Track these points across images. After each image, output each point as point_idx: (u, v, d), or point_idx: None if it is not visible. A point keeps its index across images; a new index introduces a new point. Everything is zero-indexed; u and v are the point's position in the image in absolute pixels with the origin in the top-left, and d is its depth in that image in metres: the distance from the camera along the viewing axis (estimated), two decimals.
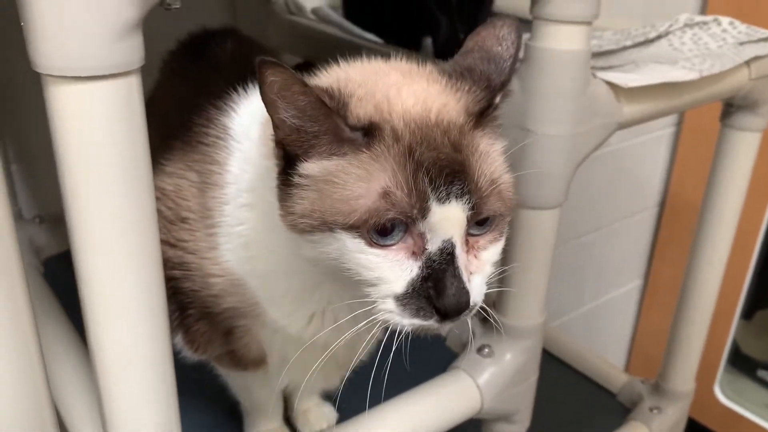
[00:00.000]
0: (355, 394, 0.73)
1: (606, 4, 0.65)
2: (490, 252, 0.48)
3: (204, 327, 0.59)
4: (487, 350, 0.74)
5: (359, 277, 0.45)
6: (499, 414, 0.76)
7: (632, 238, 1.91)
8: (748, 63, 0.80)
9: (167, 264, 0.57)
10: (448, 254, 0.44)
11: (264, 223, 0.52)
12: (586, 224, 1.75)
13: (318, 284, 0.51)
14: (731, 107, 0.88)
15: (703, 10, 1.65)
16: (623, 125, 0.69)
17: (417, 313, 0.44)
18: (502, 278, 0.72)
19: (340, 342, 0.51)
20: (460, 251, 0.44)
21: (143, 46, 0.38)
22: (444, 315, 0.44)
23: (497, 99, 0.49)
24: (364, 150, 0.44)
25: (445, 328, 0.54)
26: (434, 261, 0.44)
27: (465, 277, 0.44)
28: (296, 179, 0.45)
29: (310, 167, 0.45)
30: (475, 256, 0.47)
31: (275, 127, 0.44)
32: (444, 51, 0.84)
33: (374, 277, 0.45)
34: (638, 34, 0.91)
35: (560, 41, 0.60)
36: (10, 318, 0.43)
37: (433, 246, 0.44)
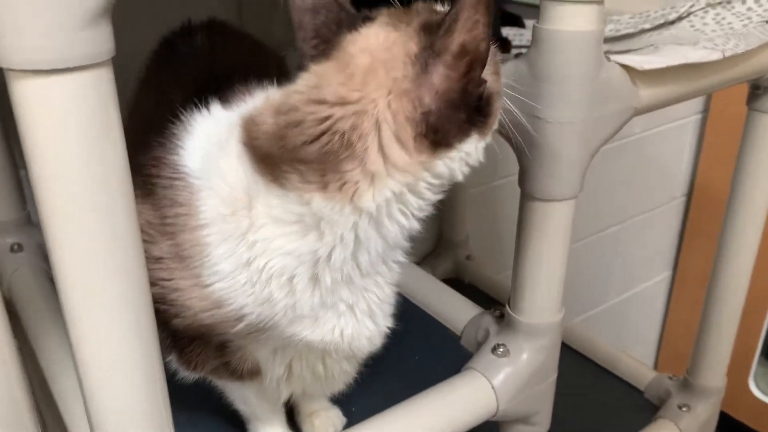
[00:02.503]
0: (364, 397, 0.71)
1: None
2: None
3: (198, 347, 0.57)
4: (502, 349, 0.71)
5: None
6: (517, 416, 0.72)
7: (659, 229, 1.87)
8: None
9: (153, 299, 0.50)
10: None
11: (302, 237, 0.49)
12: (610, 216, 1.71)
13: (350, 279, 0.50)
14: (758, 89, 0.83)
15: None
16: (641, 111, 0.65)
17: None
18: (516, 274, 0.69)
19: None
20: None
21: (112, 36, 0.36)
22: None
23: None
24: None
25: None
26: None
27: None
28: None
29: None
30: None
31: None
32: None
33: None
34: (657, 16, 0.87)
35: (570, 22, 0.57)
36: None
37: None
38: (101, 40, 0.35)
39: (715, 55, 0.67)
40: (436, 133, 0.46)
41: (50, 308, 0.81)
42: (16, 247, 0.90)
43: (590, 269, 1.71)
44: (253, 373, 0.58)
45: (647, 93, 0.64)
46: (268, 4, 1.01)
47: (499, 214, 1.43)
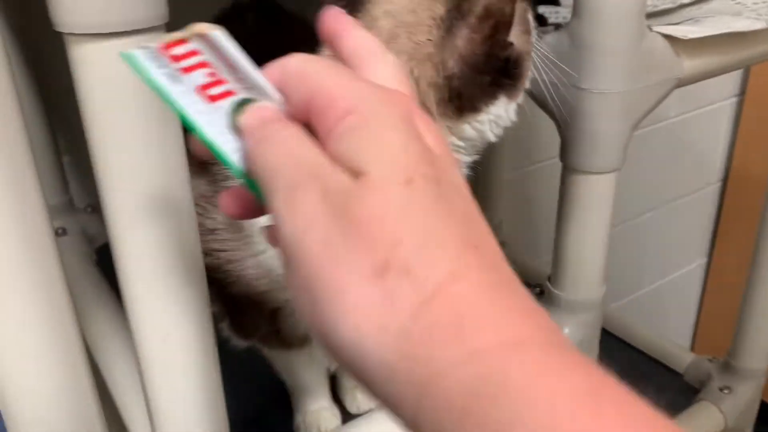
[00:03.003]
0: None
1: None
2: None
3: (250, 315, 0.58)
4: None
5: None
6: None
7: (694, 215, 1.84)
8: None
9: (207, 270, 0.54)
10: None
11: None
12: (645, 202, 1.69)
13: None
14: None
15: None
16: (684, 81, 0.64)
17: None
18: (557, 248, 0.69)
19: None
20: None
21: (167, 2, 0.36)
22: None
23: None
24: None
25: None
26: None
27: None
28: None
29: None
30: None
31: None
32: None
33: None
34: None
35: None
36: (51, 317, 0.42)
37: None
38: (157, 5, 0.36)
39: (760, 24, 0.66)
40: (461, 98, 0.46)
41: (95, 292, 0.83)
42: (60, 231, 0.92)
43: (625, 255, 1.70)
44: (302, 341, 0.59)
45: (690, 63, 0.64)
46: None
47: (533, 200, 1.42)
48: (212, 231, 0.52)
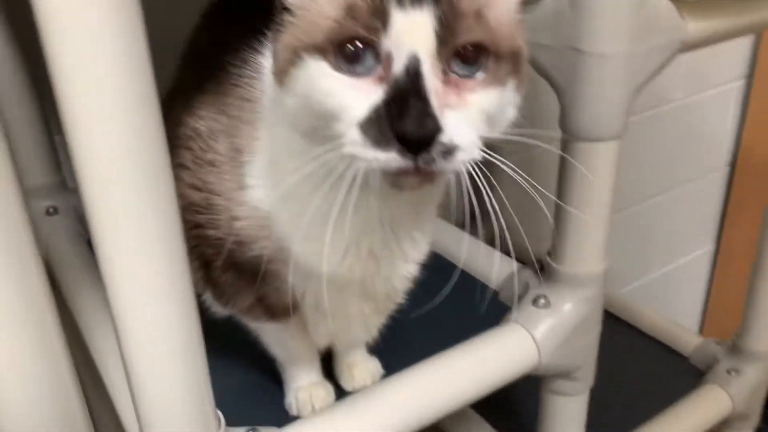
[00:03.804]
0: (403, 350, 0.69)
1: None
2: (480, 96, 0.43)
3: (231, 277, 0.57)
4: (543, 301, 0.68)
5: (325, 108, 0.42)
6: (559, 370, 0.70)
7: (702, 200, 1.82)
8: None
9: (192, 208, 0.55)
10: (414, 73, 0.40)
11: (280, 132, 0.50)
12: (652, 186, 1.67)
13: (346, 208, 0.47)
14: None
15: None
16: (689, 45, 0.62)
17: (377, 142, 0.40)
18: (558, 221, 0.67)
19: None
20: (428, 70, 0.40)
21: None
22: (404, 141, 0.39)
23: None
24: None
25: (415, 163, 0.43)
26: (399, 81, 0.40)
27: (433, 101, 0.40)
28: (285, 17, 0.44)
29: None
30: (458, 95, 0.42)
31: None
32: None
33: (337, 103, 0.41)
34: None
35: None
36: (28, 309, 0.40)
37: (398, 66, 0.40)
38: None
39: None
40: None
41: (86, 270, 0.82)
42: (51, 210, 0.91)
43: (632, 240, 1.67)
44: (287, 312, 0.57)
45: (695, 26, 0.61)
46: None
47: (535, 182, 1.40)
48: (212, 162, 0.54)
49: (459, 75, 0.42)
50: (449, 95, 0.41)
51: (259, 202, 0.53)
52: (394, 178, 0.42)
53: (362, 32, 0.40)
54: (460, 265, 0.86)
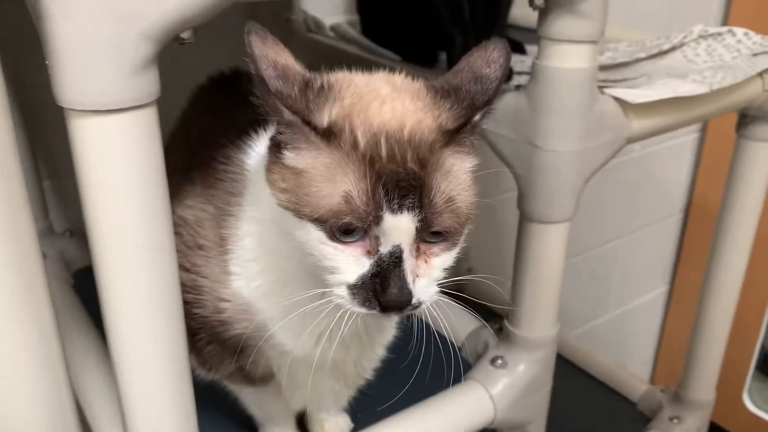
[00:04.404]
0: (370, 404, 0.75)
1: (624, 16, 0.66)
2: (441, 259, 0.52)
3: (215, 349, 0.62)
4: (500, 361, 0.75)
5: (320, 263, 0.50)
6: (513, 424, 0.77)
7: (657, 244, 1.91)
8: (761, 74, 0.80)
9: (181, 287, 0.59)
10: (396, 257, 0.48)
11: (267, 231, 0.56)
12: (610, 231, 1.75)
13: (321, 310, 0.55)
14: (746, 118, 0.88)
15: (725, 21, 1.64)
16: (632, 140, 0.70)
17: (363, 303, 0.49)
18: (514, 291, 0.74)
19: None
20: (407, 256, 0.49)
21: (158, 80, 0.41)
22: (385, 308, 0.49)
23: (476, 118, 0.51)
24: (326, 151, 0.48)
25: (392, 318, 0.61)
26: (384, 261, 0.48)
27: (409, 279, 0.49)
28: (282, 158, 0.50)
29: (290, 156, 0.49)
30: (426, 261, 0.51)
31: (261, 82, 0.47)
32: None
33: (332, 266, 0.49)
34: (653, 46, 0.91)
35: (567, 60, 0.61)
36: (34, 327, 0.46)
37: (384, 249, 0.48)
38: (150, 84, 0.40)
39: (703, 89, 0.71)
40: None
41: (72, 314, 0.86)
42: None
43: (589, 283, 1.75)
44: (265, 380, 0.64)
45: (639, 124, 0.69)
46: (283, 30, 1.06)
47: (502, 228, 1.47)
48: (200, 247, 0.59)
49: (428, 242, 0.51)
50: (419, 266, 0.50)
51: (240, 289, 0.59)
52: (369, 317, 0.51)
53: (357, 224, 0.48)
54: (428, 320, 0.92)
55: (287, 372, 0.63)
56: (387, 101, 0.50)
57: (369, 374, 0.69)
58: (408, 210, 0.47)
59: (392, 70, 0.56)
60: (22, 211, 0.43)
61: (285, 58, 0.48)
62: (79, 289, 0.94)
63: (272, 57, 0.47)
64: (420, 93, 0.52)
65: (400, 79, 0.54)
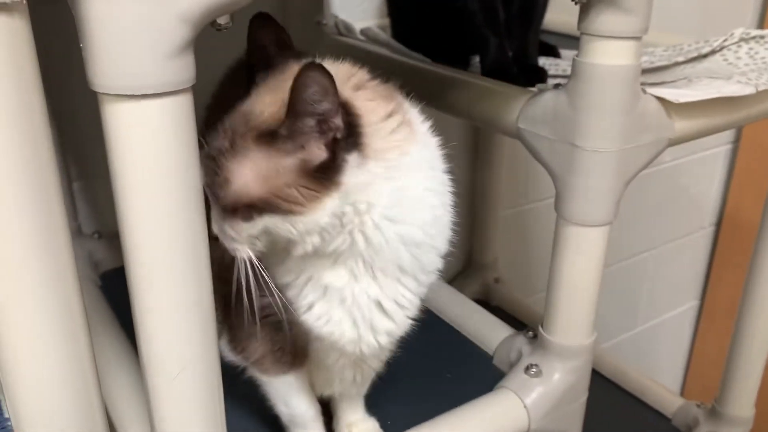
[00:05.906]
0: (400, 411, 0.74)
1: (658, 20, 0.64)
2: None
3: (250, 329, 0.61)
4: (534, 370, 0.73)
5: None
6: None
7: (688, 258, 1.87)
8: None
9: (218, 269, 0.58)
10: None
11: None
12: (640, 243, 1.72)
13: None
14: None
15: (761, 25, 1.61)
16: (675, 141, 0.67)
17: None
18: (550, 295, 0.72)
19: None
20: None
21: (194, 65, 0.39)
22: None
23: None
24: None
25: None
26: None
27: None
28: None
29: None
30: None
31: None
32: (492, 69, 0.84)
33: None
34: (691, 50, 0.89)
35: (609, 56, 0.59)
36: (65, 325, 0.45)
37: None
38: (186, 69, 0.39)
39: (749, 90, 0.69)
40: None
41: (98, 316, 0.85)
42: None
43: (619, 295, 1.72)
44: (297, 362, 0.64)
45: (681, 125, 0.67)
46: (314, 33, 1.05)
47: (529, 238, 1.45)
48: None
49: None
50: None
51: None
52: None
53: None
54: (458, 328, 0.90)
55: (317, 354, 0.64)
56: None
57: (386, 355, 0.68)
58: None
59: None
60: (56, 214, 0.43)
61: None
62: (106, 291, 0.93)
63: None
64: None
65: None
